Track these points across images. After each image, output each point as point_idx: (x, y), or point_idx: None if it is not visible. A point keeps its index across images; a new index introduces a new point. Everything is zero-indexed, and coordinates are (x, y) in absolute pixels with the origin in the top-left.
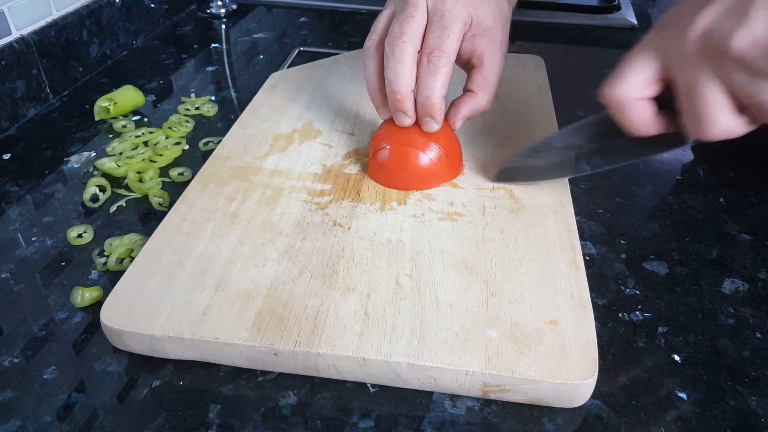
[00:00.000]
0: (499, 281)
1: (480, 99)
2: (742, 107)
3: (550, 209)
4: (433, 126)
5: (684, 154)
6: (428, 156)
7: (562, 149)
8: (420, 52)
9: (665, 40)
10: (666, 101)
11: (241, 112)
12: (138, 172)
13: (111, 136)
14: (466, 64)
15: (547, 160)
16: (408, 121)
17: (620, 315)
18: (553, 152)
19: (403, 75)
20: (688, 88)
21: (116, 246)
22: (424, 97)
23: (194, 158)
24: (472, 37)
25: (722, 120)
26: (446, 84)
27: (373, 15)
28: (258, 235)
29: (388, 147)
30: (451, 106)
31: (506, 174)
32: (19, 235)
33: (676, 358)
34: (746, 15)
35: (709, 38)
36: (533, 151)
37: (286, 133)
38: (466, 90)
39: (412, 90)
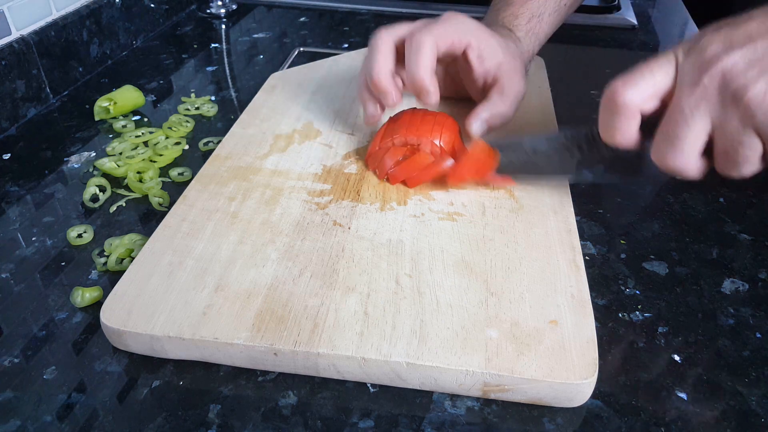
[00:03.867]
0: (499, 281)
1: (497, 103)
2: (711, 150)
3: (550, 209)
4: (431, 98)
5: None
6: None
7: (530, 151)
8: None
9: (686, 62)
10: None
11: (241, 112)
12: (138, 172)
13: (111, 136)
14: (483, 87)
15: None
16: (391, 100)
17: (620, 315)
18: (522, 152)
19: (377, 62)
20: (681, 114)
21: (116, 246)
22: (411, 74)
23: (194, 158)
24: (479, 58)
25: (690, 155)
26: (431, 59)
27: (373, 15)
28: (258, 235)
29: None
30: (471, 112)
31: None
32: (19, 235)
33: (676, 358)
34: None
35: (728, 79)
36: (504, 147)
37: (286, 133)
38: (486, 98)
39: (390, 73)
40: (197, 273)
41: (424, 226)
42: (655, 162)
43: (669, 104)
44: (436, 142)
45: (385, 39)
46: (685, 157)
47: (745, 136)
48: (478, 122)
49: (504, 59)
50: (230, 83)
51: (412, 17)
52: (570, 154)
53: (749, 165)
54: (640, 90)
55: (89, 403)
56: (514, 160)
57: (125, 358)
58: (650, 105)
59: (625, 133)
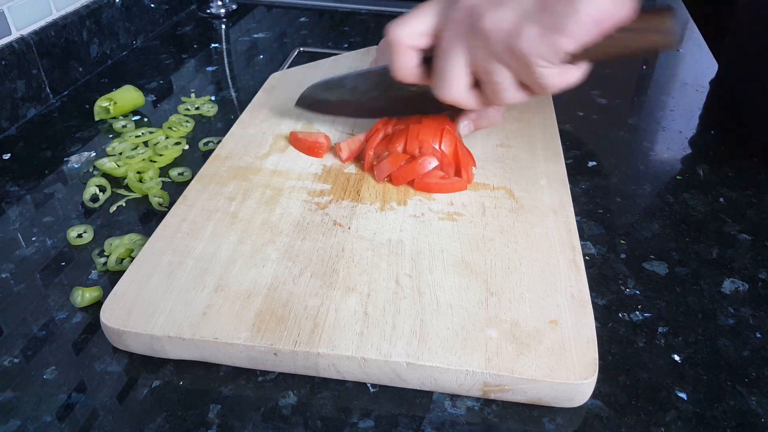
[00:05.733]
0: (499, 281)
1: (489, 110)
2: (477, 83)
3: (550, 209)
4: (471, 107)
5: (683, 151)
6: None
7: (351, 90)
8: None
9: (447, 4)
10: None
11: (241, 112)
12: (138, 172)
13: (111, 136)
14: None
15: (338, 96)
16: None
17: (620, 315)
18: (344, 90)
19: (403, 67)
20: (442, 49)
21: (116, 246)
22: (445, 97)
23: (194, 158)
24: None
25: (457, 86)
26: (464, 82)
27: (373, 15)
28: (258, 235)
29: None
30: (461, 114)
31: (304, 102)
32: (19, 235)
33: (676, 358)
34: (501, 1)
35: (470, 12)
36: (328, 86)
37: (286, 134)
38: None
39: (417, 73)
40: (197, 273)
41: (424, 226)
42: (437, 96)
43: None
44: (436, 146)
45: (405, 38)
46: (454, 89)
47: (491, 64)
48: (465, 123)
49: None
50: (230, 83)
51: None
52: (383, 91)
53: (507, 92)
54: (406, 28)
55: (89, 403)
56: (337, 98)
57: (125, 358)
58: (421, 42)
59: (403, 67)
